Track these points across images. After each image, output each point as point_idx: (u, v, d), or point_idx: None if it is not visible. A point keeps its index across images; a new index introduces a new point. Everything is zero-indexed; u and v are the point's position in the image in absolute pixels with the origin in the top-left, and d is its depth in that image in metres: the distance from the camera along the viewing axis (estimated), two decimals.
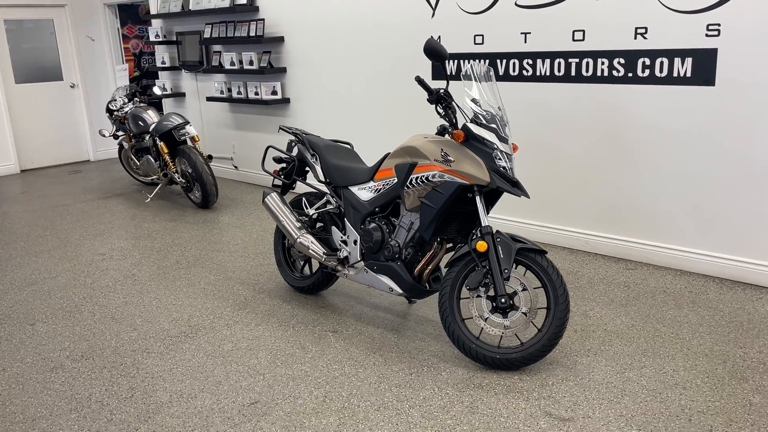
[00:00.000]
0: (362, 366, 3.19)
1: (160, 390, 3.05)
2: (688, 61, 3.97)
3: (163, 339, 3.58)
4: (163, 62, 7.96)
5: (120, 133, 7.13)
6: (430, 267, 3.39)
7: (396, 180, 3.40)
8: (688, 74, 3.99)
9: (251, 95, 6.88)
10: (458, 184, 3.11)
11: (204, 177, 6.08)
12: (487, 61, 4.91)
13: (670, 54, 4.03)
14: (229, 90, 7.18)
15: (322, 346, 3.42)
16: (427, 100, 3.28)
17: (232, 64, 6.91)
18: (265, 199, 4.03)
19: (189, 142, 6.28)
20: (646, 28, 4.10)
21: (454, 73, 5.16)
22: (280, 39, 6.52)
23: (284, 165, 4.12)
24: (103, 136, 7.39)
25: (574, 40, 4.44)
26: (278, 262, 4.24)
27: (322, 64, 6.23)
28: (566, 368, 3.09)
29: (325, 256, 3.72)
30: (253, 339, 3.53)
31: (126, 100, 7.06)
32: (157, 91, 7.38)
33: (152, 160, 6.58)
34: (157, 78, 8.48)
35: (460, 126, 3.29)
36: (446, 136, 3.38)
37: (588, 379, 2.99)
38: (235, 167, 7.59)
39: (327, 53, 6.14)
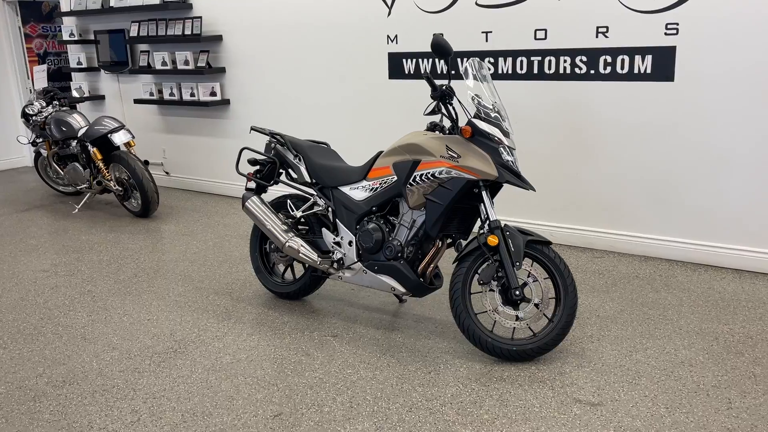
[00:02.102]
0: (377, 368, 3.12)
1: (168, 410, 2.83)
2: (649, 58, 4.21)
3: (150, 356, 3.32)
4: (79, 63, 7.42)
5: (41, 139, 6.56)
6: (433, 264, 3.37)
7: (395, 178, 3.35)
8: (649, 71, 4.22)
9: (186, 97, 6.56)
10: (466, 179, 3.12)
11: (145, 183, 5.73)
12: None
13: (631, 52, 4.25)
14: (160, 92, 6.80)
15: (327, 352, 3.31)
16: (431, 96, 3.26)
17: (164, 64, 6.55)
18: (246, 203, 3.85)
19: (123, 147, 5.90)
20: (607, 27, 4.30)
21: (412, 73, 5.18)
22: (218, 38, 6.26)
23: (258, 167, 3.96)
24: (22, 143, 6.78)
25: (536, 38, 4.57)
26: (257, 269, 4.07)
27: (265, 64, 6.04)
28: (577, 355, 3.18)
29: (320, 259, 3.60)
30: (251, 350, 3.36)
31: (44, 104, 6.52)
32: (75, 93, 6.87)
33: (80, 168, 6.11)
34: (70, 80, 7.89)
35: (456, 122, 3.30)
36: (437, 132, 3.38)
37: (601, 364, 3.09)
38: (167, 173, 7.21)
39: (271, 53, 5.97)
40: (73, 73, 7.69)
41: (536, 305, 3.11)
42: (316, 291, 4.00)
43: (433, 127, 3.48)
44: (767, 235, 4.07)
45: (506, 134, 3.17)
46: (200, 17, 6.17)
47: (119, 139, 5.76)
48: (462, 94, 3.50)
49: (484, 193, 3.18)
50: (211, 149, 6.72)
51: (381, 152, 3.56)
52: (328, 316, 3.74)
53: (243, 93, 6.31)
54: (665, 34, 4.12)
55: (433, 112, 3.46)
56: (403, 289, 3.40)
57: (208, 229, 5.54)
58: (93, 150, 5.85)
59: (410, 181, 3.27)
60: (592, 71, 4.41)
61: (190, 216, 5.99)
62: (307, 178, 3.75)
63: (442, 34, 3.68)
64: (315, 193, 3.74)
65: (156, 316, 3.81)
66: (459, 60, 4.92)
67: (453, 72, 3.27)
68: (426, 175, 3.21)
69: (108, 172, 5.90)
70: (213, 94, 6.38)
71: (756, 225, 4.08)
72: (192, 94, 6.52)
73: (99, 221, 5.91)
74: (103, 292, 4.22)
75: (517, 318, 3.13)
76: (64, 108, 6.44)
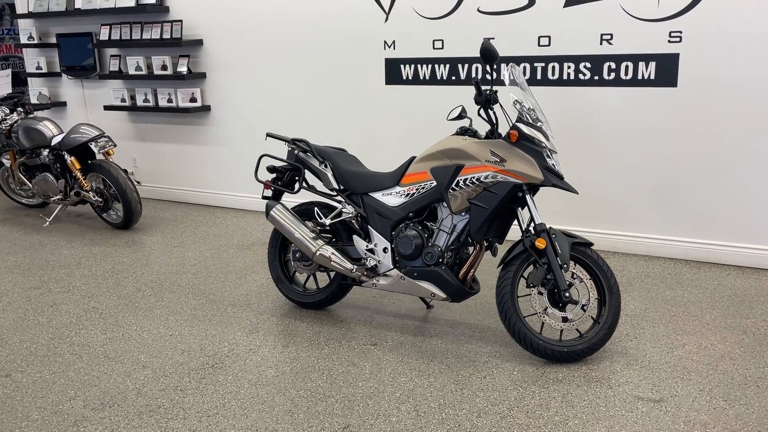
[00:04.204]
0: (431, 375, 3.09)
1: (228, 428, 2.70)
2: (652, 64, 4.37)
3: (187, 373, 3.17)
4: (39, 67, 7.02)
5: (7, 149, 6.15)
6: (474, 269, 3.38)
7: (434, 183, 3.34)
8: (652, 77, 4.38)
9: (163, 103, 6.31)
10: (513, 183, 3.14)
11: (128, 194, 5.47)
12: (448, 66, 5.00)
13: (635, 58, 4.40)
14: (133, 98, 6.52)
15: (373, 361, 3.25)
16: (475, 100, 3.26)
17: (138, 69, 6.29)
18: (271, 212, 3.73)
19: (99, 156, 5.62)
20: (611, 35, 4.44)
21: (410, 78, 5.18)
22: (198, 42, 6.07)
23: (275, 174, 3.86)
24: None
25: (539, 45, 4.66)
26: (277, 279, 3.95)
27: (249, 69, 5.90)
28: (621, 354, 3.25)
29: (356, 267, 3.54)
30: (292, 362, 3.26)
31: (8, 111, 6.12)
32: (36, 99, 6.50)
33: (51, 179, 5.78)
34: (24, 86, 7.46)
35: (496, 127, 3.32)
36: (466, 136, 3.39)
37: (648, 362, 3.16)
38: (137, 182, 6.89)
39: (256, 57, 5.83)
40: (30, 79, 7.26)
41: (583, 307, 3.16)
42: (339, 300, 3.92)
43: (463, 132, 3.48)
44: (767, 233, 4.29)
45: (547, 138, 3.22)
46: (180, 20, 5.96)
47: (102, 147, 5.48)
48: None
49: (528, 197, 3.21)
50: (189, 157, 6.50)
51: (413, 158, 3.54)
52: (359, 325, 3.67)
53: (225, 99, 6.14)
54: (669, 41, 4.29)
55: (459, 117, 3.48)
56: (443, 295, 3.38)
57: (199, 240, 5.34)
58: (71, 159, 5.54)
59: (452, 185, 3.26)
60: (596, 77, 4.54)
61: (175, 227, 5.76)
62: (334, 185, 3.67)
63: (490, 39, 3.69)
64: (343, 200, 3.67)
65: (177, 331, 3.64)
66: (460, 66, 4.96)
67: (493, 77, 3.30)
68: (470, 179, 3.21)
69: (87, 183, 5.60)
70: (193, 100, 6.17)
71: (756, 223, 4.30)
72: (170, 100, 6.28)
73: (76, 234, 5.59)
74: (109, 308, 3.99)
75: (566, 319, 3.17)
76: (32, 115, 6.07)
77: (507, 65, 3.36)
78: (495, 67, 3.30)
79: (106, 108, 6.61)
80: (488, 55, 3.15)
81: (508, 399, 2.87)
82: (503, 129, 3.37)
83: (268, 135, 3.88)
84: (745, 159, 4.25)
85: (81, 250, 5.15)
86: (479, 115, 3.34)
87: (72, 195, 5.67)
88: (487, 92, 3.26)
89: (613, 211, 4.70)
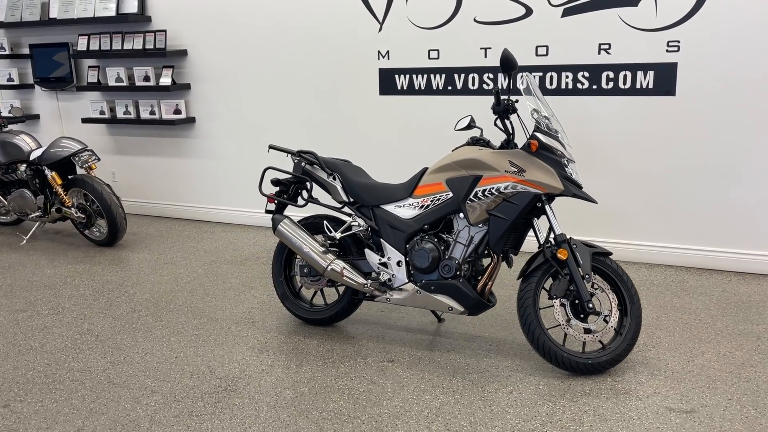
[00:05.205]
0: (456, 392, 3.01)
1: None
2: (651, 74, 4.40)
3: (201, 397, 3.02)
4: (11, 79, 6.75)
5: None
6: (492, 281, 3.31)
7: (450, 194, 3.27)
8: (651, 86, 4.41)
9: (145, 115, 6.12)
10: (533, 194, 3.10)
11: (113, 209, 5.26)
12: (444, 75, 4.96)
13: (633, 68, 4.43)
14: (112, 110, 6.30)
15: (393, 378, 3.15)
16: (494, 110, 3.22)
17: (119, 80, 6.09)
18: (279, 227, 3.61)
19: (81, 170, 5.41)
20: (609, 44, 4.46)
21: (405, 88, 5.12)
22: (183, 52, 5.90)
23: (279, 188, 3.75)
24: None
25: (537, 55, 4.66)
26: (282, 295, 3.82)
27: (237, 80, 5.76)
28: (643, 364, 3.22)
29: (370, 281, 3.44)
30: (309, 382, 3.14)
31: None
32: (10, 112, 6.22)
33: (29, 195, 5.53)
34: None
35: (512, 137, 3.29)
36: (478, 146, 3.35)
37: (671, 371, 3.14)
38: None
39: (243, 67, 5.69)
40: (0, 91, 6.97)
41: (605, 318, 3.12)
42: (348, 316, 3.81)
43: (475, 142, 3.44)
44: (766, 239, 4.34)
45: (564, 147, 3.19)
46: (164, 30, 5.80)
47: (85, 161, 5.27)
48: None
49: (547, 207, 3.17)
50: (173, 170, 6.31)
51: (425, 169, 3.48)
52: (371, 341, 3.57)
53: (211, 110, 5.98)
54: (667, 51, 4.32)
55: (468, 127, 3.43)
56: (461, 308, 3.31)
57: (189, 256, 5.17)
58: (52, 174, 5.31)
59: (470, 197, 3.20)
60: (595, 86, 4.55)
61: (161, 243, 5.57)
62: (344, 198, 3.58)
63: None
64: (353, 213, 3.58)
65: (182, 353, 3.48)
66: (456, 76, 4.92)
67: (510, 88, 3.26)
68: (489, 190, 3.15)
69: (68, 199, 5.37)
70: (177, 111, 6.00)
71: (754, 229, 4.35)
72: (152, 112, 6.09)
73: (57, 253, 5.35)
74: (105, 330, 3.81)
75: (589, 331, 3.12)
76: (6, 129, 5.82)
77: (520, 75, 3.32)
78: (513, 76, 3.26)
79: (85, 120, 6.38)
80: (507, 63, 3.11)
81: (540, 415, 2.80)
82: (518, 139, 3.33)
83: (270, 147, 3.78)
84: (743, 166, 4.30)
85: (65, 269, 4.92)
86: (495, 124, 3.30)
87: (53, 212, 5.43)
88: (506, 101, 3.21)
89: (613, 219, 4.71)
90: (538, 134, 3.15)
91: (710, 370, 3.14)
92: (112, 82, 6.12)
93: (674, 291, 4.15)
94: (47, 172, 5.33)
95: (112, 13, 5.93)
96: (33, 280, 4.70)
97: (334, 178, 3.61)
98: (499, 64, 3.17)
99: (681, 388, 2.98)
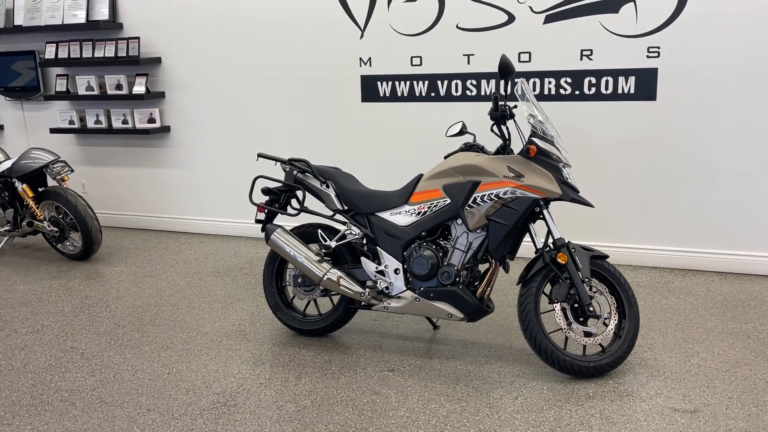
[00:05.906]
0: (461, 400, 2.98)
1: None
2: (632, 79, 4.47)
3: (199, 414, 2.93)
4: None
5: None
6: (491, 286, 3.31)
7: (448, 200, 3.26)
8: (632, 91, 4.49)
9: (117, 124, 5.96)
10: (532, 199, 3.11)
11: (88, 222, 5.09)
12: (427, 82, 4.96)
13: (615, 73, 4.50)
14: (82, 120, 6.12)
15: (395, 388, 3.11)
16: (491, 115, 3.22)
17: (89, 89, 5.92)
18: (272, 237, 3.54)
19: (53, 182, 5.23)
20: (591, 50, 4.52)
21: (388, 96, 5.10)
22: (156, 60, 5.77)
23: (269, 197, 3.69)
24: None
25: (520, 61, 4.70)
26: (275, 307, 3.75)
27: (214, 87, 5.65)
28: (642, 366, 3.25)
29: (367, 290, 3.39)
30: (310, 394, 3.08)
31: None
32: None
33: None
34: None
35: (508, 143, 3.29)
36: (471, 152, 3.35)
37: (669, 372, 3.18)
38: None
39: (220, 75, 5.59)
40: None
41: (605, 321, 3.14)
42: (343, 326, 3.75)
43: (468, 148, 3.44)
44: (745, 239, 4.45)
45: (560, 151, 3.21)
46: (138, 38, 5.66)
47: (58, 173, 5.09)
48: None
49: (546, 212, 3.19)
50: (147, 181, 6.15)
51: (421, 175, 3.46)
52: (368, 350, 3.52)
53: (186, 119, 5.85)
54: (647, 56, 4.40)
55: (460, 133, 3.44)
56: (461, 315, 3.29)
57: (169, 269, 5.03)
58: (22, 187, 5.12)
59: (469, 202, 3.19)
60: (577, 92, 4.61)
61: (138, 255, 5.41)
62: (338, 206, 3.53)
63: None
64: (348, 221, 3.53)
65: (175, 368, 3.37)
66: (439, 82, 4.93)
67: (506, 94, 3.26)
68: (488, 195, 3.15)
69: (40, 212, 5.18)
70: (151, 120, 5.85)
71: (735, 230, 4.46)
72: (125, 122, 5.93)
73: (29, 268, 5.15)
74: (90, 347, 3.67)
75: (590, 334, 3.14)
76: None
77: (511, 81, 3.33)
78: (510, 81, 3.26)
79: (53, 131, 6.17)
80: (505, 69, 3.12)
81: (548, 420, 2.80)
82: (513, 145, 3.33)
83: (259, 156, 3.71)
84: (722, 169, 4.40)
85: (39, 285, 4.74)
86: (492, 130, 3.30)
87: (24, 225, 5.23)
88: (504, 107, 3.22)
89: (596, 223, 4.76)
90: (535, 139, 3.16)
91: (707, 369, 3.19)
92: (82, 91, 5.95)
93: (661, 292, 4.21)
94: (17, 184, 5.14)
95: (82, 21, 5.76)
96: (6, 297, 4.51)
97: (328, 186, 3.56)
98: (497, 70, 3.17)
99: (682, 388, 3.02)
